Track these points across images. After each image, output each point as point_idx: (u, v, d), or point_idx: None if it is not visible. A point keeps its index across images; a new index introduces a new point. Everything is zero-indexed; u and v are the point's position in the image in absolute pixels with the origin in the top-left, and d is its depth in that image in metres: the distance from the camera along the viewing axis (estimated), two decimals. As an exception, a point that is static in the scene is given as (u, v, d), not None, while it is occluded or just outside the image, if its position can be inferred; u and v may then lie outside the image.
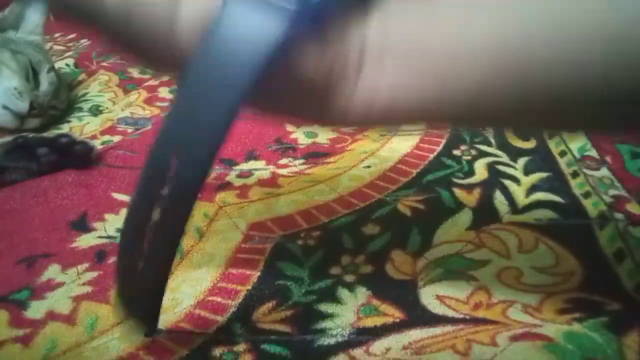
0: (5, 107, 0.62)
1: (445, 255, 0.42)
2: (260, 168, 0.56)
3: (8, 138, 0.58)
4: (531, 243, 0.43)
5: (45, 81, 0.66)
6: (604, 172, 0.51)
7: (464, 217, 0.46)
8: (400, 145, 0.58)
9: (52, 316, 0.39)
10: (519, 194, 0.49)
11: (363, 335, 0.35)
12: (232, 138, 0.61)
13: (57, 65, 0.78)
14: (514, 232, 0.44)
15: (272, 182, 0.53)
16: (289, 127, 0.63)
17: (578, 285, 0.38)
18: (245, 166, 0.56)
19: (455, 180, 0.51)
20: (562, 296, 0.37)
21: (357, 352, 0.34)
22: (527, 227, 0.44)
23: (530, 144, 0.56)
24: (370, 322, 0.36)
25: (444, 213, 0.47)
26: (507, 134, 0.58)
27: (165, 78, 0.76)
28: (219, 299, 0.39)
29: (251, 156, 0.58)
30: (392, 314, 0.37)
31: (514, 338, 0.34)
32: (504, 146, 0.56)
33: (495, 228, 0.44)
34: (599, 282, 0.39)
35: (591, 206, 0.47)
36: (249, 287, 0.40)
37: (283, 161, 0.57)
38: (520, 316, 0.36)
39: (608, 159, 0.53)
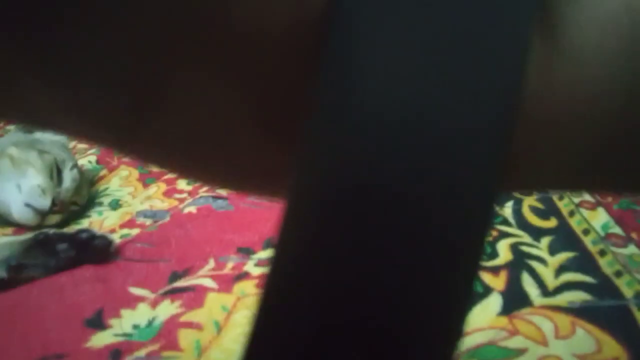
0: (28, 205, 0.63)
1: (478, 344, 0.40)
2: (279, 257, 0.55)
3: (28, 235, 0.58)
4: (568, 328, 0.40)
5: (69, 178, 0.68)
6: (632, 249, 0.50)
7: (494, 302, 0.44)
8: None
9: None
10: (547, 275, 0.47)
11: None
12: (248, 226, 0.61)
13: (80, 162, 0.81)
14: (548, 316, 0.42)
15: (291, 270, 0.52)
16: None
17: (626, 374, 0.36)
18: (263, 254, 0.55)
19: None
20: (610, 386, 0.35)
21: None
22: (560, 310, 0.42)
23: (551, 223, 0.56)
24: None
25: (471, 298, 0.45)
26: (525, 214, 0.57)
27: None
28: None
29: (270, 244, 0.57)
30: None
31: None
32: (524, 226, 0.55)
33: (528, 313, 0.42)
34: (648, 369, 0.36)
35: (625, 286, 0.45)
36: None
37: (301, 249, 0.56)
38: (567, 411, 0.33)
39: (634, 235, 0.52)
